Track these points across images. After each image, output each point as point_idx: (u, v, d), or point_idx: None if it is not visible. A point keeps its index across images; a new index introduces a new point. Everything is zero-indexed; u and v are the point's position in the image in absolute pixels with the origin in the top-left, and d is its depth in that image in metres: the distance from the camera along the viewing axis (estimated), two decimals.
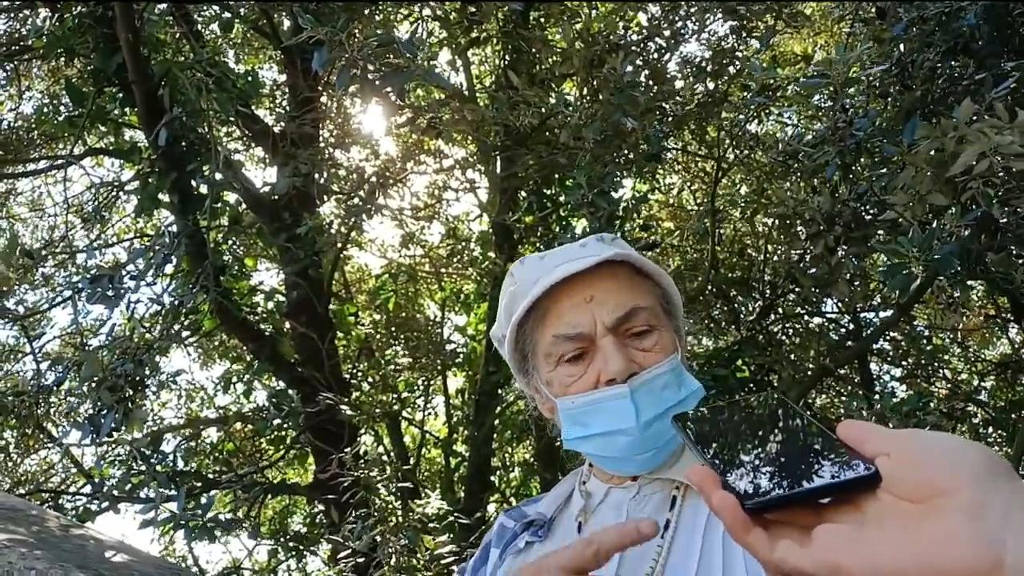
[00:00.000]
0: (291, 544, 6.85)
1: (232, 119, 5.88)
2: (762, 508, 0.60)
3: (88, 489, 5.81)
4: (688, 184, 8.01)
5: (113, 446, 4.95)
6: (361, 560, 3.42)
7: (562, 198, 6.62)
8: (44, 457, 8.22)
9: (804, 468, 0.62)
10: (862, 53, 2.93)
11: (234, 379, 6.90)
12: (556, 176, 6.13)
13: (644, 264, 1.16)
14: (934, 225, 2.88)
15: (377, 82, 3.13)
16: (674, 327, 1.18)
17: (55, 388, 4.79)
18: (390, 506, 3.99)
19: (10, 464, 7.80)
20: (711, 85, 5.15)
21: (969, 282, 4.29)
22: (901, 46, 3.90)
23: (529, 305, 1.13)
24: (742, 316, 6.99)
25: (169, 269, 5.33)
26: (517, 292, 1.18)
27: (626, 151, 4.01)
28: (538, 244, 7.13)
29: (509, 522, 1.28)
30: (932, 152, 2.91)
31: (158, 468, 4.46)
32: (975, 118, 2.70)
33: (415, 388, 8.27)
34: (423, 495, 4.26)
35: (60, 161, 7.97)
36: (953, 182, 2.89)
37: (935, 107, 3.75)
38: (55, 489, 7.14)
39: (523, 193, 6.67)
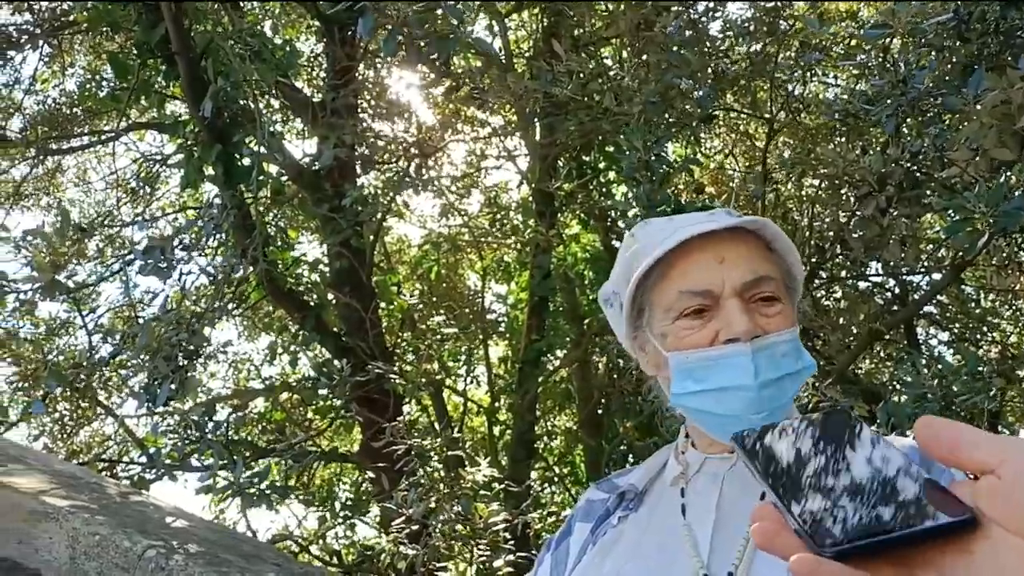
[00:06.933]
0: (340, 512, 6.94)
1: (272, 90, 5.89)
2: (842, 557, 0.49)
3: (142, 459, 5.93)
4: (731, 148, 7.89)
5: (166, 416, 5.04)
6: (415, 527, 3.44)
7: (602, 164, 6.55)
8: (97, 429, 8.42)
9: (885, 504, 0.51)
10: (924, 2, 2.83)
11: (279, 350, 6.98)
12: (597, 142, 6.06)
13: (776, 237, 1.14)
14: (1001, 179, 2.78)
15: (424, 48, 3.10)
16: (791, 304, 1.16)
17: (110, 360, 4.89)
18: (440, 475, 4.01)
19: (64, 436, 7.99)
20: (758, 45, 5.04)
21: None
22: None
23: (656, 259, 1.10)
24: None
25: (215, 242, 5.39)
26: (640, 250, 1.16)
27: (675, 115, 3.93)
28: (579, 212, 7.08)
29: (599, 495, 1.28)
30: (997, 105, 2.81)
31: (211, 437, 4.53)
32: None
33: (458, 357, 8.31)
34: (470, 463, 4.29)
35: (105, 136, 8.06)
36: (1020, 135, 2.80)
37: (992, 61, 3.62)
38: (110, 459, 7.30)
39: (561, 161, 6.61)
